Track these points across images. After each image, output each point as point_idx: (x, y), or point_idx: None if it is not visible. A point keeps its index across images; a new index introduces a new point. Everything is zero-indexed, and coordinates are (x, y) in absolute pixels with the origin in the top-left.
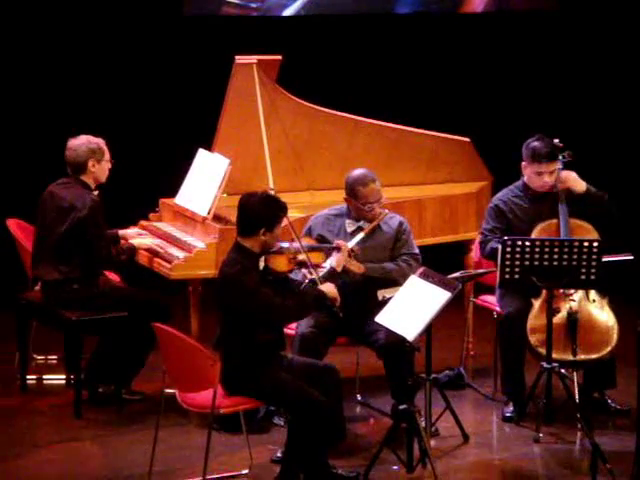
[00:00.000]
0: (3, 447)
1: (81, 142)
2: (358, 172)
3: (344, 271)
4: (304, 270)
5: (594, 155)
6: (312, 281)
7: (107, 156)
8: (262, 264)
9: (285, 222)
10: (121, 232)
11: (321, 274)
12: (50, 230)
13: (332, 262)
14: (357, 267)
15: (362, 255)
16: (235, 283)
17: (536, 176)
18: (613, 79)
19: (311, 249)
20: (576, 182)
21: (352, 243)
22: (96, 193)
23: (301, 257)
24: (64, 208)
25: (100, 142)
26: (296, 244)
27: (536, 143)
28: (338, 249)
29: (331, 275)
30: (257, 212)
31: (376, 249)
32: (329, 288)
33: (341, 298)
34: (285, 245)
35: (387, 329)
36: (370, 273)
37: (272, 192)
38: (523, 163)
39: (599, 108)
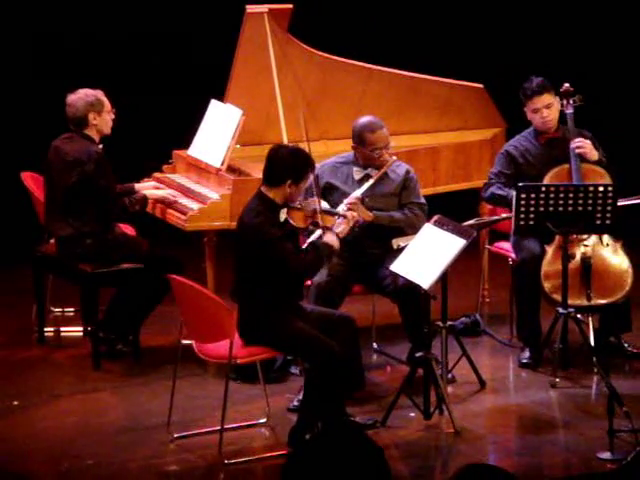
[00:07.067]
0: (23, 398)
1: (78, 97)
2: (365, 119)
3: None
4: (319, 231)
5: (605, 99)
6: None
7: (107, 107)
8: (283, 216)
9: (310, 178)
10: (137, 186)
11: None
12: (58, 185)
13: (337, 229)
14: (366, 215)
15: (370, 202)
16: (256, 233)
17: (534, 113)
18: (628, 24)
19: (325, 212)
20: (592, 152)
21: (361, 191)
22: (100, 147)
23: (316, 217)
24: (69, 162)
25: (98, 93)
26: (312, 205)
27: (525, 83)
28: (346, 216)
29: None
30: (287, 162)
31: (385, 197)
32: (332, 239)
33: (356, 247)
34: (303, 202)
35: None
36: (378, 221)
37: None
38: (524, 108)
39: (612, 52)
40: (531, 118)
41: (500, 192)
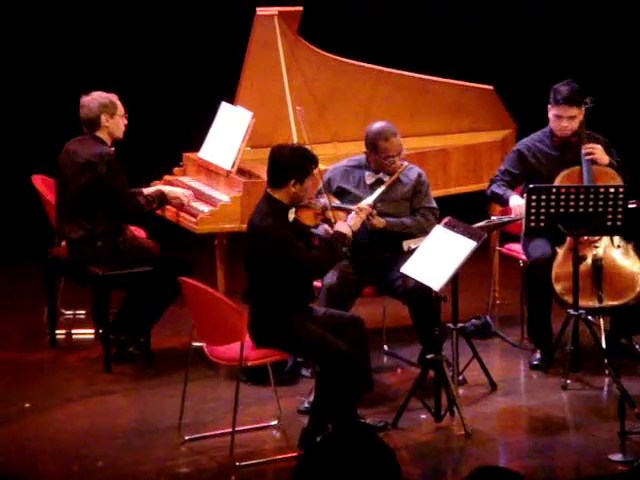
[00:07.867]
0: (35, 401)
1: (92, 98)
2: (378, 126)
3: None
4: (326, 226)
5: (617, 101)
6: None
7: (120, 110)
8: (292, 216)
9: (315, 174)
10: (146, 191)
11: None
12: (70, 187)
13: (350, 222)
14: (378, 222)
15: (383, 207)
16: (267, 235)
17: (555, 119)
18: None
19: (335, 208)
20: (602, 156)
21: (373, 197)
22: (112, 149)
23: (326, 214)
24: (81, 164)
25: (112, 96)
26: (322, 201)
27: (560, 85)
28: (359, 210)
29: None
30: (288, 163)
31: (397, 202)
32: (344, 228)
33: (366, 249)
34: (312, 200)
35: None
36: (390, 228)
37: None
38: (548, 105)
39: (623, 54)
40: (551, 120)
41: (497, 190)
